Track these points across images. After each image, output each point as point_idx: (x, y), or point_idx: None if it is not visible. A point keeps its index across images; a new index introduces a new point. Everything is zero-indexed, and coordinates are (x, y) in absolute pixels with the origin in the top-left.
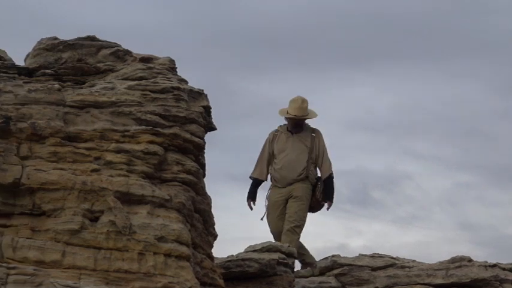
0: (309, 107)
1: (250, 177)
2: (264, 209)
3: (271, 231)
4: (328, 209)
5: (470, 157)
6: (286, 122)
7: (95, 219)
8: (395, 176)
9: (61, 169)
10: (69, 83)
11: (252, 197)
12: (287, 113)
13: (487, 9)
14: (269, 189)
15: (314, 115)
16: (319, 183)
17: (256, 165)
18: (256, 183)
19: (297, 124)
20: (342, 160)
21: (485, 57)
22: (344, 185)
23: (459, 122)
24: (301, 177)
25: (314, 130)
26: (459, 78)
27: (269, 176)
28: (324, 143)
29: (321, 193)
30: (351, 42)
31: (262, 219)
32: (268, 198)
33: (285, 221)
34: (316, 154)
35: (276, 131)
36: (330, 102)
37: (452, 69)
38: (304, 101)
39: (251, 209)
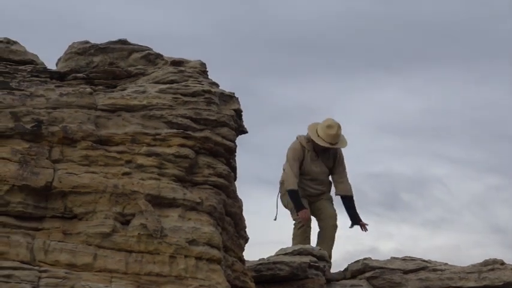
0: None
1: (290, 190)
2: (276, 210)
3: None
4: (366, 230)
5: (499, 160)
6: (307, 135)
7: (126, 223)
8: (424, 179)
9: (92, 172)
10: (100, 87)
11: (303, 206)
12: (318, 136)
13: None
14: (280, 193)
15: (345, 144)
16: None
17: (289, 177)
18: (298, 194)
19: (327, 150)
20: (371, 163)
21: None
22: (374, 188)
23: (488, 125)
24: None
25: (336, 150)
26: (488, 81)
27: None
28: (344, 160)
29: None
30: (380, 45)
31: (275, 219)
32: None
33: (328, 218)
34: (336, 176)
35: (303, 147)
36: (359, 105)
37: (481, 72)
38: (339, 128)
39: (310, 218)
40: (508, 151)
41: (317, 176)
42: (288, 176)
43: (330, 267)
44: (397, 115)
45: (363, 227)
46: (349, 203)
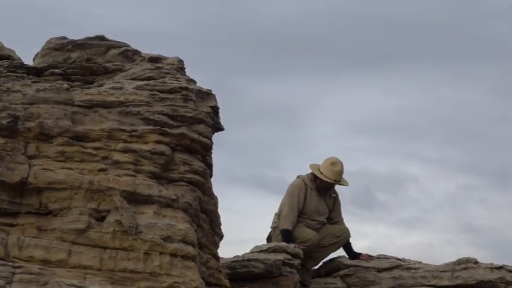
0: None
1: (284, 230)
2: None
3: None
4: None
5: (473, 160)
6: (308, 174)
7: (101, 219)
8: (399, 178)
9: (68, 168)
10: (77, 83)
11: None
12: (321, 173)
13: (494, 13)
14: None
15: (347, 183)
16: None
17: (287, 216)
18: (291, 236)
19: (329, 187)
20: (346, 162)
21: (490, 61)
22: (348, 187)
23: (463, 125)
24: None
25: (335, 191)
26: (463, 81)
27: None
28: (340, 204)
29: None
30: (357, 45)
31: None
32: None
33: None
34: (333, 214)
35: (306, 185)
36: (336, 104)
37: (457, 73)
38: (343, 166)
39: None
40: (482, 151)
41: (319, 216)
42: (286, 215)
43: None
44: (373, 114)
45: (366, 259)
46: (347, 244)
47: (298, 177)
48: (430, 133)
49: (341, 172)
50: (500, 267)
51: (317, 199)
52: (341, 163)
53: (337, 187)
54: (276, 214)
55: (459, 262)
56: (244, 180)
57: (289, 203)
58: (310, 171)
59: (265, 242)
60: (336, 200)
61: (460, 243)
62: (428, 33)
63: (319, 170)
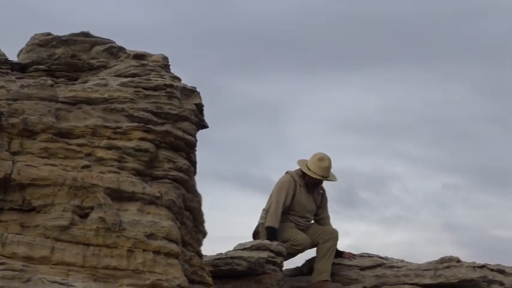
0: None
1: (269, 227)
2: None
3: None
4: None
5: (457, 159)
6: (297, 170)
7: (84, 216)
8: (382, 177)
9: (52, 165)
10: (62, 79)
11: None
12: (308, 169)
13: (478, 13)
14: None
15: (335, 179)
16: None
17: (274, 214)
18: (276, 233)
19: (317, 183)
20: None
21: (474, 60)
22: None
23: (447, 125)
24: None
25: (322, 188)
26: (448, 81)
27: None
28: (327, 200)
29: None
30: (342, 44)
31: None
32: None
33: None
34: (320, 211)
35: (295, 181)
36: (320, 102)
37: (442, 72)
38: (331, 162)
39: None
40: (465, 150)
41: (307, 212)
42: (273, 212)
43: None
44: (357, 113)
45: (349, 258)
46: None
47: (287, 173)
48: (414, 132)
49: (328, 168)
50: (483, 266)
51: (306, 195)
52: (329, 159)
53: (324, 183)
54: (263, 210)
55: (442, 261)
56: (228, 178)
57: (276, 200)
58: (298, 167)
59: (248, 240)
60: (323, 197)
61: (443, 242)
62: (412, 32)
63: (307, 166)
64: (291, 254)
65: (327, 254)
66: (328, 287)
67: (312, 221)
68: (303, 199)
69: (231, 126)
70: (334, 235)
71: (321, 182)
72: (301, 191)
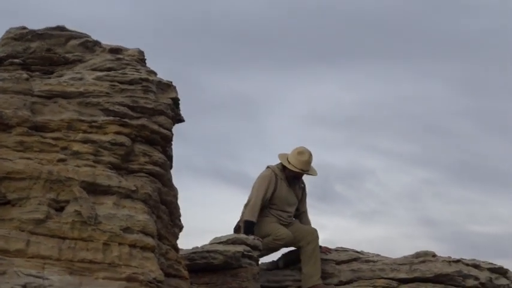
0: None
1: (247, 221)
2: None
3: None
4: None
5: (432, 154)
6: (278, 164)
7: (60, 209)
8: (357, 171)
9: (27, 158)
10: (37, 73)
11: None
12: (289, 162)
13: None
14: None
15: (315, 173)
16: None
17: (252, 208)
18: (252, 227)
19: (297, 177)
20: None
21: (450, 56)
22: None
23: (421, 120)
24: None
25: (303, 182)
26: (423, 76)
27: None
28: (307, 195)
29: None
30: (318, 38)
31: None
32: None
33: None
34: (300, 205)
35: (276, 175)
36: (296, 97)
37: (416, 68)
38: (311, 155)
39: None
40: (440, 145)
41: (288, 206)
42: (252, 206)
43: None
44: (332, 107)
45: (325, 252)
46: None
47: (268, 167)
48: (389, 127)
49: (308, 162)
50: (458, 261)
51: (287, 189)
52: (309, 152)
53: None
54: (244, 205)
55: (417, 255)
56: (204, 171)
57: (256, 194)
58: (278, 161)
59: (224, 234)
60: (304, 191)
61: (418, 236)
62: (390, 28)
63: (287, 159)
64: (273, 249)
65: (313, 256)
66: None
67: (293, 218)
68: (284, 192)
69: (208, 120)
70: (315, 235)
71: (300, 175)
72: (282, 184)
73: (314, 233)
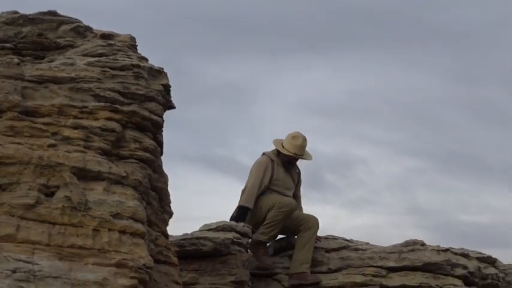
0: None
1: (241, 206)
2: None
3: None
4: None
5: (421, 143)
6: (273, 150)
7: (50, 194)
8: (347, 159)
9: (18, 143)
10: (28, 58)
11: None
12: (283, 147)
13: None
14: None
15: (310, 157)
16: None
17: (248, 194)
18: (246, 213)
19: (292, 162)
20: None
21: (442, 47)
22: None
23: (411, 109)
24: None
25: (298, 167)
26: (413, 66)
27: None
28: (301, 180)
29: None
30: (310, 27)
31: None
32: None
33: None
34: (296, 190)
35: (272, 161)
36: (286, 85)
37: (408, 58)
38: (305, 140)
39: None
40: (430, 134)
41: (287, 190)
42: (248, 191)
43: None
44: (323, 96)
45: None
46: None
47: (263, 154)
48: (380, 116)
49: (302, 146)
50: (446, 250)
51: (284, 174)
52: (303, 137)
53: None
54: (242, 191)
55: (406, 244)
56: (194, 158)
57: (253, 181)
58: (273, 147)
59: (214, 221)
60: (299, 176)
61: (407, 225)
62: (379, 18)
63: (282, 144)
64: (282, 221)
65: (308, 244)
66: (307, 279)
67: None
68: (282, 176)
69: (199, 107)
70: (316, 223)
71: (295, 159)
72: (278, 169)
73: (316, 221)
